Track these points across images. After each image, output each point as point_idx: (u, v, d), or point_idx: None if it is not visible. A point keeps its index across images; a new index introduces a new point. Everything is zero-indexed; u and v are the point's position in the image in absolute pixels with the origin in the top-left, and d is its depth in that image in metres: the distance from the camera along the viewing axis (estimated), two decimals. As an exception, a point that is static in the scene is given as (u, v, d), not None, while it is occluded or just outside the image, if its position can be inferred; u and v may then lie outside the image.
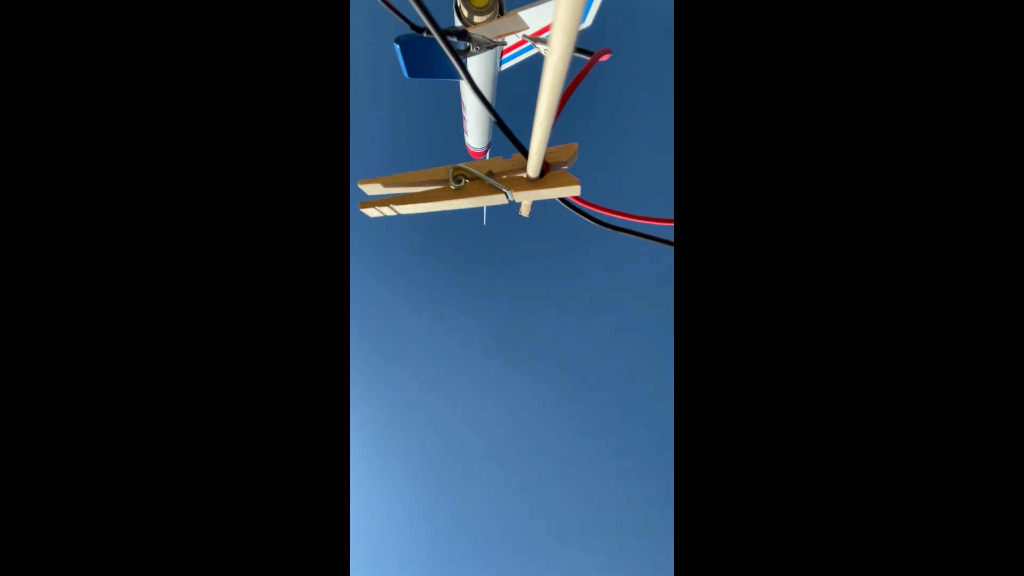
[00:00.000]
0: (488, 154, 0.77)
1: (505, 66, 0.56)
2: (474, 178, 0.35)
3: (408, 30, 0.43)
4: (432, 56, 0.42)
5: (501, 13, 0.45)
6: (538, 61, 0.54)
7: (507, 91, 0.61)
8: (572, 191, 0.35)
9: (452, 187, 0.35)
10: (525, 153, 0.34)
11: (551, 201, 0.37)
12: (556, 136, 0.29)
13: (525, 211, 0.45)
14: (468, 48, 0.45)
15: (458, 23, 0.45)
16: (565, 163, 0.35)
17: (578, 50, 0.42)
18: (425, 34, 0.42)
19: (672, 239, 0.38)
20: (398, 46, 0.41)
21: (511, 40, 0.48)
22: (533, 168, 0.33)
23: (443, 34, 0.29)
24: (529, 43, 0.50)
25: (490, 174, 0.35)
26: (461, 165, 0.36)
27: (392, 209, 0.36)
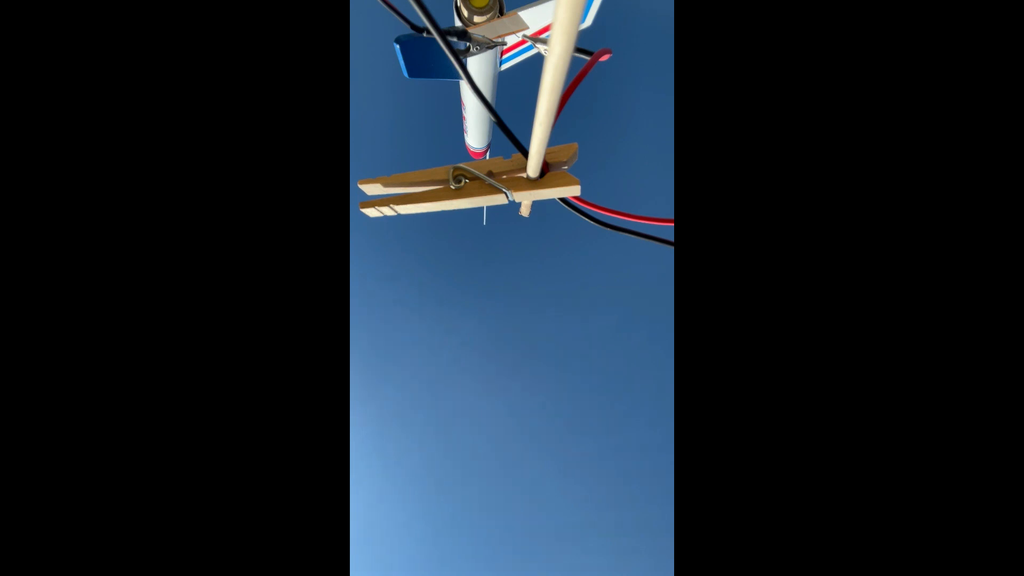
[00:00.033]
0: (488, 154, 0.77)
1: (505, 66, 0.56)
2: (474, 178, 0.35)
3: (408, 30, 0.43)
4: (432, 56, 0.42)
5: (501, 13, 0.45)
6: (538, 61, 0.54)
7: (507, 91, 0.61)
8: (572, 191, 0.35)
9: (452, 187, 0.35)
10: (525, 153, 0.34)
11: (551, 201, 0.37)
12: (556, 136, 0.29)
13: (525, 211, 0.45)
14: (468, 48, 0.45)
15: (458, 23, 0.45)
16: (565, 163, 0.35)
17: (578, 50, 0.42)
18: (425, 34, 0.42)
19: (672, 239, 0.38)
20: (398, 46, 0.41)
21: (511, 40, 0.48)
22: (533, 168, 0.33)
23: (443, 34, 0.29)
24: (529, 43, 0.50)
25: (490, 174, 0.35)
26: (461, 165, 0.36)
27: (392, 209, 0.36)
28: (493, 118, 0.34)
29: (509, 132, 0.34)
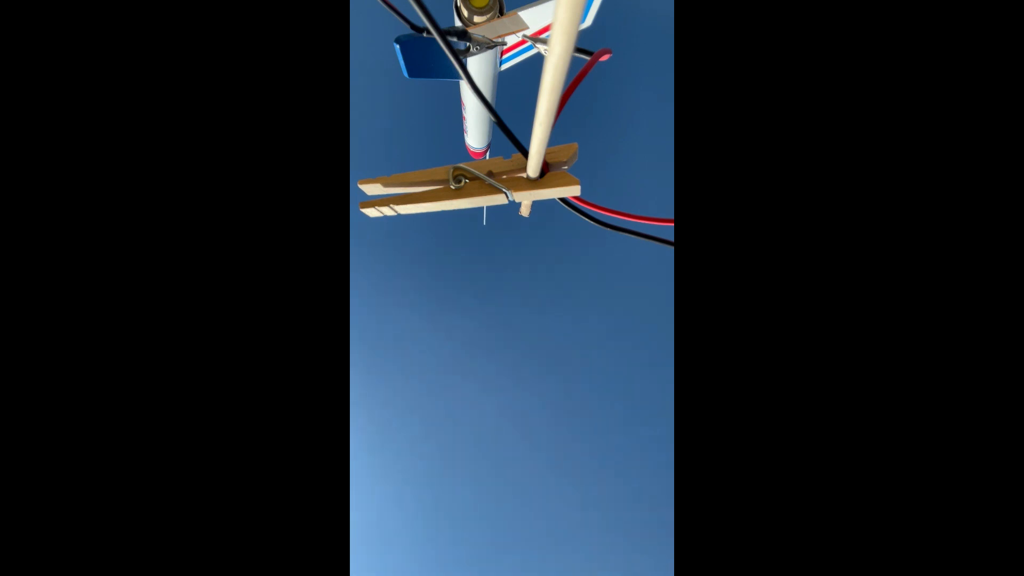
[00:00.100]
0: (488, 154, 0.77)
1: (505, 66, 0.56)
2: (474, 178, 0.35)
3: (408, 30, 0.43)
4: (432, 56, 0.42)
5: (501, 13, 0.45)
6: (538, 61, 0.54)
7: (507, 91, 0.61)
8: (572, 191, 0.35)
9: (452, 187, 0.35)
10: (525, 153, 0.34)
11: (551, 201, 0.37)
12: (556, 136, 0.29)
13: (525, 211, 0.45)
14: (468, 48, 0.45)
15: (458, 23, 0.45)
16: (565, 163, 0.35)
17: (578, 50, 0.42)
18: (425, 34, 0.42)
19: (672, 239, 0.38)
20: (398, 46, 0.41)
21: (511, 40, 0.48)
22: (533, 168, 0.33)
23: (443, 34, 0.29)
24: (529, 43, 0.50)
25: (490, 174, 0.35)
26: (461, 165, 0.36)
27: (392, 209, 0.36)
28: (493, 118, 0.34)
29: (509, 132, 0.34)
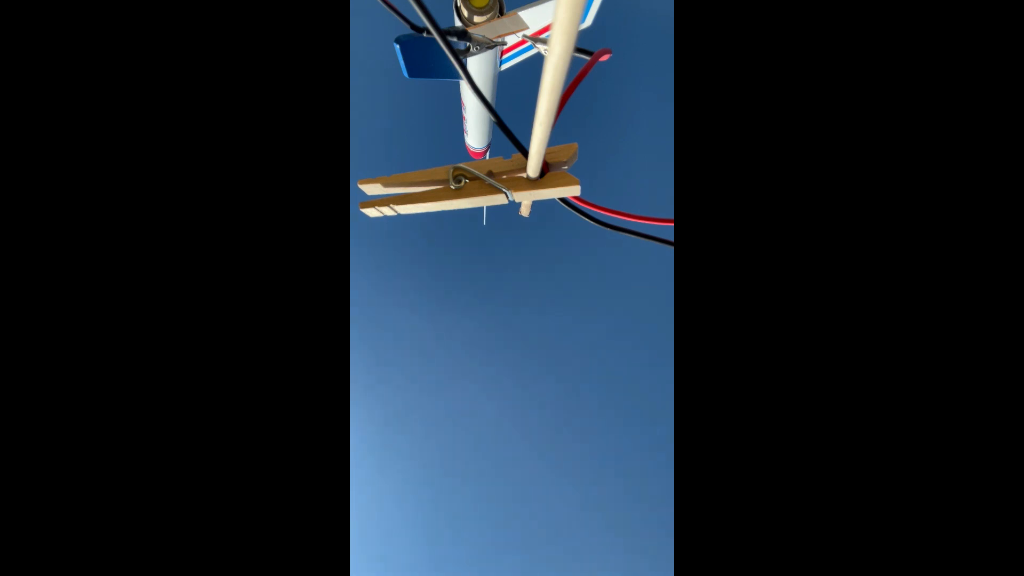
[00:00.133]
0: (488, 154, 0.77)
1: (505, 66, 0.56)
2: (474, 178, 0.35)
3: (408, 30, 0.43)
4: (432, 56, 0.42)
5: (501, 13, 0.45)
6: (538, 61, 0.54)
7: (507, 91, 0.61)
8: (572, 191, 0.35)
9: (452, 187, 0.35)
10: (525, 153, 0.34)
11: (551, 201, 0.37)
12: (556, 136, 0.29)
13: (525, 211, 0.45)
14: (468, 48, 0.45)
15: (458, 23, 0.45)
16: (565, 163, 0.35)
17: (578, 50, 0.42)
18: (425, 34, 0.42)
19: (672, 239, 0.38)
20: (398, 46, 0.41)
21: (511, 40, 0.48)
22: (533, 168, 0.33)
23: (443, 34, 0.29)
24: (529, 43, 0.50)
25: (490, 174, 0.35)
26: (461, 165, 0.36)
27: (392, 209, 0.36)
28: (493, 118, 0.34)
29: (509, 132, 0.34)
